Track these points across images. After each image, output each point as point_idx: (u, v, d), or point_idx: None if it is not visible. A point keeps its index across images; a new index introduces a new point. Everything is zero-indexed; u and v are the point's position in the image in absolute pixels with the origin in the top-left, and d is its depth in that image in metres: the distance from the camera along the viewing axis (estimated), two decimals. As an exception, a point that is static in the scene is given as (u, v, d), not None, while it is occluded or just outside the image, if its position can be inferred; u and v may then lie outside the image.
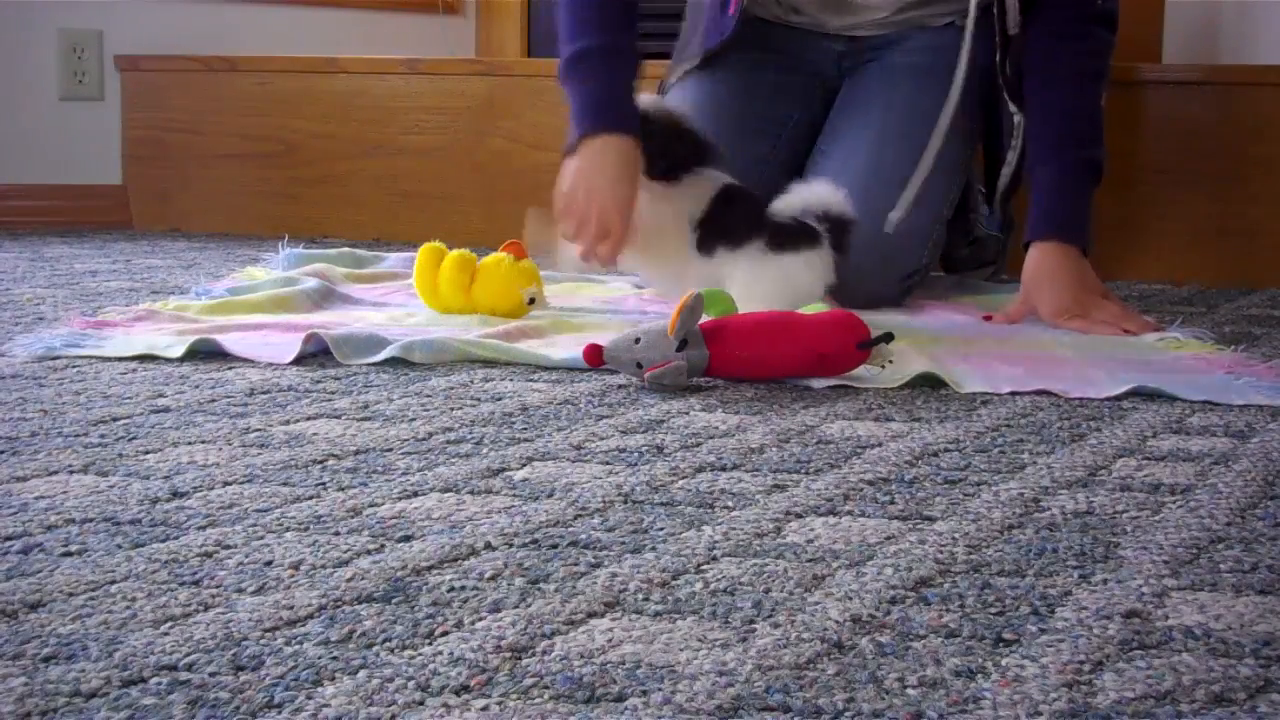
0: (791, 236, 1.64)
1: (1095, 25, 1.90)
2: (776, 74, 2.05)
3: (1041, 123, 1.89)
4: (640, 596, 0.79)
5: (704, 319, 1.42)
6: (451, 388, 1.36)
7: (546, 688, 0.66)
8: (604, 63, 1.78)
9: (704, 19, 2.05)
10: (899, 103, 1.96)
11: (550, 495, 0.99)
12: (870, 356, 1.40)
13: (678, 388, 1.37)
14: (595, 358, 1.41)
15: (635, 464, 1.09)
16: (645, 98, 1.79)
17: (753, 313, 1.48)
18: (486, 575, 0.82)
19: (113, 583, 0.79)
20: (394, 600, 0.77)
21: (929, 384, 1.41)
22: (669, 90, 2.07)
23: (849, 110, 2.00)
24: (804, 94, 2.07)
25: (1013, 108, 1.94)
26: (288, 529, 0.90)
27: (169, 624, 0.73)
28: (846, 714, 0.64)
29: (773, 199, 1.69)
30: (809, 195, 1.66)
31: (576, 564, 0.84)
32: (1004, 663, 0.70)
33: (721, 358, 1.40)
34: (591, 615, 0.76)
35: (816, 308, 1.52)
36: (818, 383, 1.41)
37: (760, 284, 1.63)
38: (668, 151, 1.73)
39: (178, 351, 1.47)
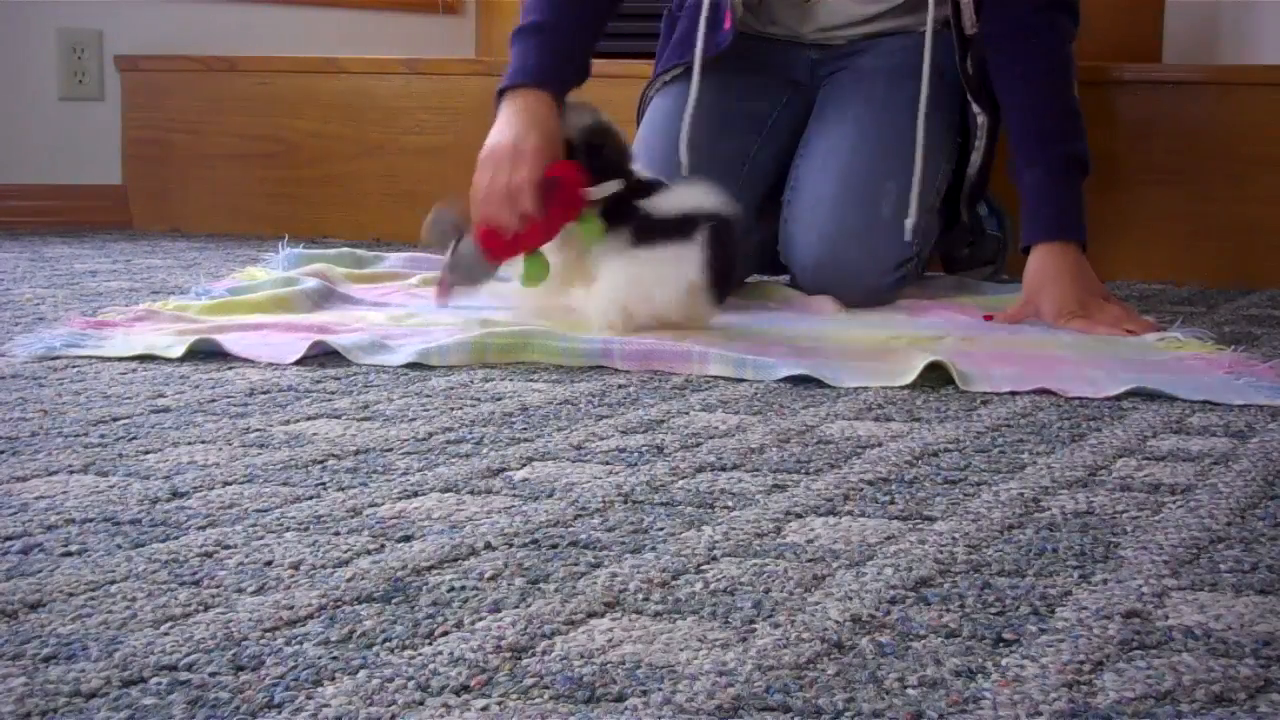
0: (661, 232, 1.63)
1: (1056, 13, 1.90)
2: (756, 77, 2.07)
3: (1020, 125, 1.89)
4: (640, 596, 0.79)
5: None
6: (451, 388, 1.36)
7: (546, 688, 0.66)
8: (551, 33, 1.78)
9: (681, 31, 2.05)
10: (876, 100, 1.97)
11: (550, 495, 0.99)
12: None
13: (473, 284, 1.70)
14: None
15: (635, 464, 1.09)
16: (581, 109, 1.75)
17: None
18: (486, 575, 0.82)
19: (113, 583, 0.79)
20: (394, 600, 0.77)
21: (936, 376, 1.41)
22: (651, 100, 2.08)
23: (827, 111, 2.01)
24: (783, 95, 2.08)
25: (976, 108, 1.94)
26: (288, 529, 0.90)
27: (169, 624, 0.73)
28: (846, 714, 0.64)
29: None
30: (687, 197, 1.66)
31: (576, 564, 0.84)
32: (1004, 663, 0.70)
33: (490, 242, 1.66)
34: (591, 615, 0.76)
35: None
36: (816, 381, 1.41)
37: (628, 280, 1.62)
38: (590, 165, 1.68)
39: (178, 351, 1.47)
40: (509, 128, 1.69)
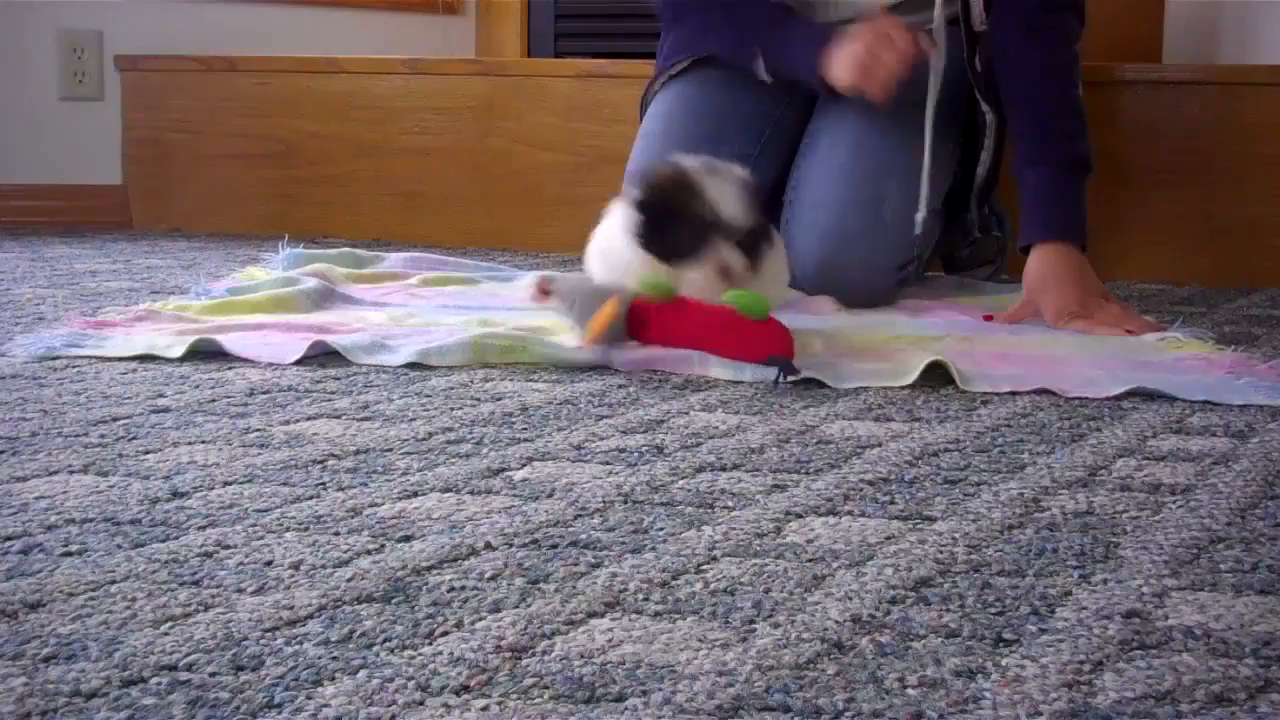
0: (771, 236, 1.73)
1: (1064, 13, 1.90)
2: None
3: (1023, 123, 1.89)
4: (640, 596, 0.79)
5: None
6: (451, 388, 1.36)
7: (546, 688, 0.66)
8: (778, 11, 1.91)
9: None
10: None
11: (550, 495, 0.99)
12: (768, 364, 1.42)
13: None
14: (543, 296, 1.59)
15: (635, 464, 1.09)
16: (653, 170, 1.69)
17: (687, 307, 1.51)
18: (486, 575, 0.82)
19: (113, 583, 0.79)
20: (394, 600, 0.77)
21: (936, 376, 1.41)
22: (653, 99, 2.08)
23: (829, 111, 2.01)
24: (786, 94, 2.07)
25: (985, 106, 1.94)
26: (288, 529, 0.90)
27: (169, 624, 0.73)
28: (846, 714, 0.64)
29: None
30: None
31: (576, 564, 0.84)
32: (1004, 663, 0.70)
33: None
34: (591, 615, 0.76)
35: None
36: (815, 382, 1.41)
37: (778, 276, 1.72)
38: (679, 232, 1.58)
39: (178, 351, 1.47)
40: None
